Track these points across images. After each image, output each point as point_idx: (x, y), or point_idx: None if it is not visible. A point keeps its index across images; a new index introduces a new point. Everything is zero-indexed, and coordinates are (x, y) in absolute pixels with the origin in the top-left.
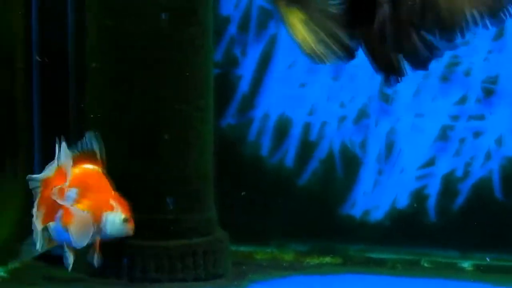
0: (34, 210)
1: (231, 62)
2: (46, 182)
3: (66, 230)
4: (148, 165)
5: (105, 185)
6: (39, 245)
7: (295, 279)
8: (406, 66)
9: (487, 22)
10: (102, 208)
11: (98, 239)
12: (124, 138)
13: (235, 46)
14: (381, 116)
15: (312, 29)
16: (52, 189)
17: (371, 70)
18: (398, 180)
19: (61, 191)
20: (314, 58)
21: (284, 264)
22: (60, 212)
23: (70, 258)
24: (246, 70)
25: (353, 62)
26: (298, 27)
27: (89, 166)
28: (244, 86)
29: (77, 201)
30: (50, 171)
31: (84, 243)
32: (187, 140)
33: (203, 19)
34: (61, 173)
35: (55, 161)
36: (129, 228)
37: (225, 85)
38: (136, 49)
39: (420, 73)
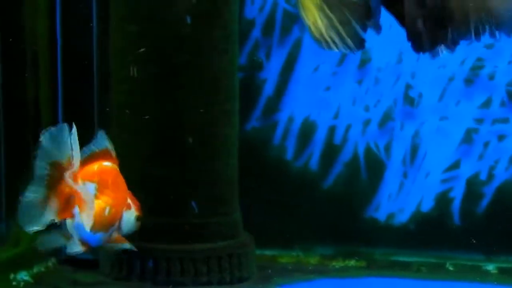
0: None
1: (255, 66)
2: (57, 169)
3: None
4: (173, 169)
5: (121, 183)
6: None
7: (320, 283)
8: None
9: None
10: (121, 206)
11: (117, 236)
12: (149, 142)
13: (260, 50)
14: (406, 119)
15: (325, 14)
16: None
17: (396, 73)
18: (422, 183)
19: (76, 177)
20: (321, 43)
21: (309, 268)
22: (77, 208)
23: (77, 248)
24: (271, 73)
25: (378, 65)
26: (311, 10)
27: (106, 163)
28: (268, 89)
29: (96, 197)
30: (62, 156)
31: (101, 241)
32: (212, 143)
33: (227, 23)
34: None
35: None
36: (138, 227)
37: (250, 89)
38: (160, 53)
39: (444, 76)
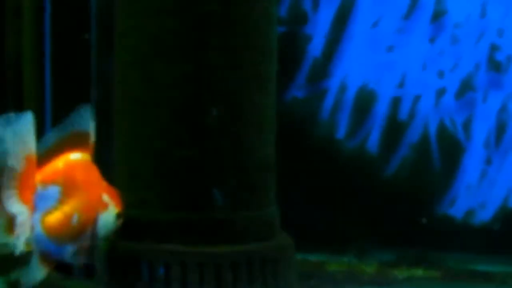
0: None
1: (299, 19)
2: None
3: (49, 237)
4: (192, 150)
5: (95, 178)
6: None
7: None
8: None
9: None
10: (93, 208)
11: (85, 245)
12: (159, 113)
13: None
14: (491, 89)
15: None
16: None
17: (478, 30)
18: (510, 171)
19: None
20: None
21: (365, 277)
22: (37, 215)
23: (40, 273)
24: (319, 28)
25: (456, 20)
26: None
27: (75, 156)
28: (315, 49)
29: (61, 201)
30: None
31: (70, 253)
32: (242, 117)
33: None
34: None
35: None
36: (120, 223)
37: (292, 48)
38: (179, 1)
39: None
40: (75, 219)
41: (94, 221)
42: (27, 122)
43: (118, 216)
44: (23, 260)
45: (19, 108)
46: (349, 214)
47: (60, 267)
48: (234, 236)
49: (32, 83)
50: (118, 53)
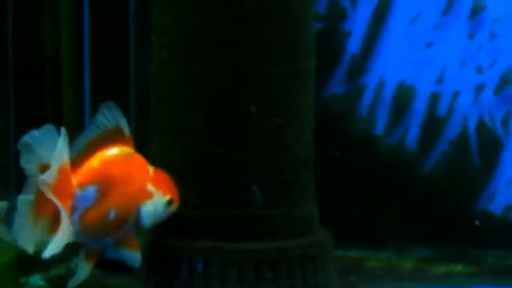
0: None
1: (337, 15)
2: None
3: (87, 234)
4: (230, 147)
5: (137, 170)
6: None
7: None
8: None
9: None
10: (135, 200)
11: (132, 237)
12: (199, 114)
13: None
14: None
15: None
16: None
17: None
18: None
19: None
20: None
21: (403, 274)
22: (76, 214)
23: (85, 271)
24: (357, 24)
25: (495, 15)
26: None
27: (111, 152)
28: (354, 45)
29: (98, 199)
30: (51, 174)
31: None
32: (281, 114)
33: None
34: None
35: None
36: (174, 209)
37: (330, 44)
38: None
39: None
40: (112, 214)
41: (136, 213)
42: (61, 135)
43: (169, 202)
44: (62, 257)
45: (58, 106)
46: (387, 211)
47: (101, 265)
48: (273, 232)
49: (70, 81)
50: (155, 51)
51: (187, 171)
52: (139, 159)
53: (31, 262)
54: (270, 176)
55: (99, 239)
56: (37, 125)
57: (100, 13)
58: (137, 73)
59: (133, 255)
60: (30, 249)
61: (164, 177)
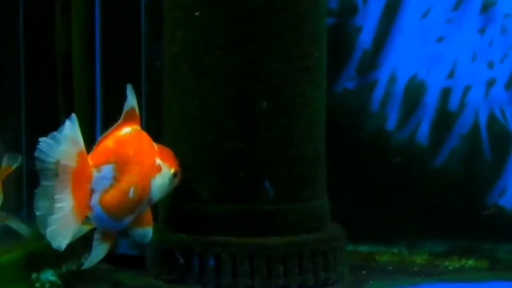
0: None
1: (348, 10)
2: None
3: (108, 215)
4: (243, 142)
5: (146, 144)
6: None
7: None
8: None
9: None
10: (147, 177)
11: (148, 212)
12: (211, 110)
13: None
14: None
15: None
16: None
17: None
18: None
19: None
20: None
21: (415, 268)
22: (95, 196)
23: (102, 251)
24: (368, 19)
25: (506, 10)
26: None
27: (124, 131)
28: (365, 40)
29: (116, 178)
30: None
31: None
32: (292, 109)
33: None
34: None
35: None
36: (178, 180)
37: (341, 39)
38: None
39: None
40: (131, 192)
41: (149, 187)
42: (73, 124)
43: (174, 175)
44: (74, 252)
45: (69, 100)
46: (399, 205)
47: (111, 259)
48: (284, 227)
49: (82, 75)
50: (168, 45)
51: (199, 167)
52: (146, 136)
53: (42, 259)
54: (282, 172)
55: (120, 220)
56: (49, 119)
57: (111, 8)
58: (148, 68)
59: (145, 231)
60: (63, 242)
61: (168, 151)
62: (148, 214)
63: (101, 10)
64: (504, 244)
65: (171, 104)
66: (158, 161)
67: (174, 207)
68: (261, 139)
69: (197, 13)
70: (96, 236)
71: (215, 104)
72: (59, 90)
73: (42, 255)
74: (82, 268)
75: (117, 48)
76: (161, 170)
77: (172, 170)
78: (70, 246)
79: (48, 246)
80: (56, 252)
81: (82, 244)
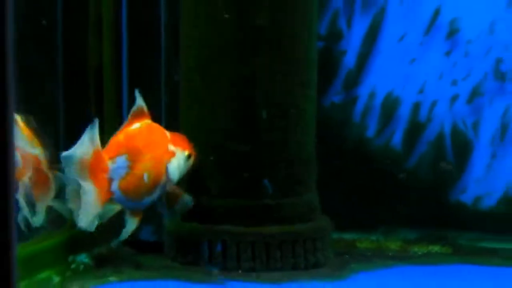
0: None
1: (335, 36)
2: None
3: (128, 198)
4: (247, 145)
5: (158, 136)
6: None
7: (400, 270)
8: None
9: None
10: (162, 161)
11: (172, 187)
12: (219, 117)
13: (340, 18)
14: (496, 96)
15: None
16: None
17: (487, 45)
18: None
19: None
20: None
21: (390, 254)
22: (115, 183)
23: (133, 225)
24: (352, 44)
25: (468, 36)
26: None
27: (134, 126)
28: (349, 61)
29: (131, 167)
30: (84, 150)
31: (151, 202)
32: (289, 118)
33: None
34: (98, 151)
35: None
36: (193, 161)
37: (329, 60)
38: (233, 13)
39: None
40: (146, 177)
41: (166, 171)
42: (93, 127)
43: (188, 157)
44: (104, 238)
45: (100, 107)
46: (377, 200)
47: (133, 243)
48: (282, 218)
49: (111, 88)
50: (183, 60)
51: (209, 166)
52: (157, 127)
53: (77, 243)
54: (280, 171)
55: (140, 200)
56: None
57: (136, 26)
58: (167, 80)
59: (185, 199)
60: (91, 223)
61: (181, 137)
62: (177, 191)
63: (128, 28)
64: (465, 233)
65: (185, 112)
66: (172, 147)
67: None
68: (263, 143)
69: (209, 33)
70: (126, 213)
71: (223, 110)
72: (91, 100)
73: (78, 240)
74: (120, 239)
75: (142, 63)
76: (175, 155)
77: (186, 153)
78: (101, 232)
79: (83, 232)
80: (90, 237)
81: (110, 231)
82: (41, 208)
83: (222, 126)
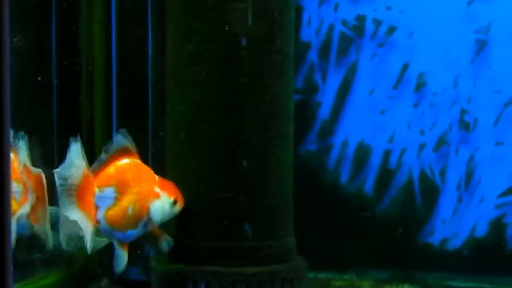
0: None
1: (311, 89)
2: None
3: (113, 228)
4: (229, 193)
5: (145, 175)
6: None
7: None
8: None
9: None
10: (146, 198)
11: (153, 227)
12: (202, 164)
13: (316, 73)
14: (461, 144)
15: None
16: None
17: (452, 98)
18: (477, 209)
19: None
20: None
21: None
22: (101, 212)
23: (123, 257)
24: (327, 96)
25: (434, 89)
26: None
27: (124, 161)
28: (324, 112)
29: (117, 198)
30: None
31: (134, 236)
32: (268, 166)
33: (283, 45)
34: (86, 175)
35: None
36: (179, 209)
37: (305, 112)
38: (215, 75)
39: (501, 101)
40: (130, 210)
41: (148, 209)
42: (78, 151)
43: (174, 203)
44: (94, 278)
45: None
46: (351, 242)
47: (123, 282)
48: (260, 259)
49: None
50: (169, 116)
51: (194, 212)
52: (146, 168)
53: (69, 282)
54: (259, 216)
55: (124, 231)
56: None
57: (125, 85)
58: (153, 135)
59: (166, 240)
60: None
61: (168, 183)
62: (157, 232)
63: (117, 87)
64: (432, 273)
65: (171, 162)
66: (157, 189)
67: (175, 243)
68: (243, 190)
69: (193, 92)
70: (115, 245)
71: (207, 163)
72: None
73: (70, 280)
74: (116, 272)
75: (130, 119)
76: (159, 196)
77: (172, 198)
78: (91, 272)
79: (74, 273)
80: (81, 277)
81: (100, 270)
82: (42, 230)
83: (207, 176)
